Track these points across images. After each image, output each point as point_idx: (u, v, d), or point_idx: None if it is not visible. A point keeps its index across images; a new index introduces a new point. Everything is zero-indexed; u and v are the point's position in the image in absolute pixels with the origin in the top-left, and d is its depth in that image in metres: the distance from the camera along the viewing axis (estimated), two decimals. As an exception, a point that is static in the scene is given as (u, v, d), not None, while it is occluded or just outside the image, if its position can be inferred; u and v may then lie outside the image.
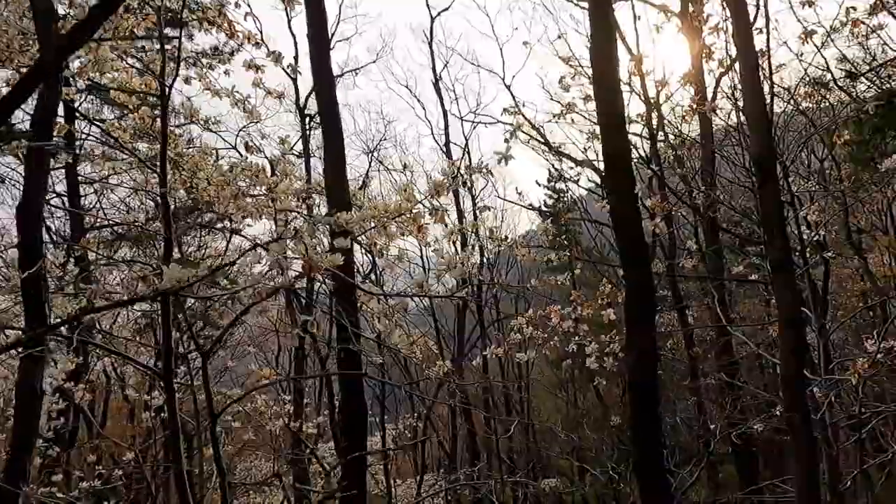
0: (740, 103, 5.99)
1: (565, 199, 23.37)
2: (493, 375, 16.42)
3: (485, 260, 16.54)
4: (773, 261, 4.47)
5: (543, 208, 23.10)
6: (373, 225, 4.58)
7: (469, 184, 4.56)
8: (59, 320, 2.51)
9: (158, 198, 5.19)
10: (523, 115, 8.66)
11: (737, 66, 6.26)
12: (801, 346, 4.43)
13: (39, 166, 2.56)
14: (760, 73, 4.64)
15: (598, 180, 15.40)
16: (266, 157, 4.62)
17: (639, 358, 3.21)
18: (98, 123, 5.22)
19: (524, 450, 17.57)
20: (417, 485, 9.76)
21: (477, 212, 15.92)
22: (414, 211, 4.58)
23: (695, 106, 6.18)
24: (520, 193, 21.96)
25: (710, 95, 8.21)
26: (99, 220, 11.66)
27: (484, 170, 4.60)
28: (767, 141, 4.52)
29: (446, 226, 4.98)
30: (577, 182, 17.28)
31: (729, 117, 7.05)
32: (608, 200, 3.49)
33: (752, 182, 6.43)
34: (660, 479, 3.14)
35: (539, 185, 23.87)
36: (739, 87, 5.75)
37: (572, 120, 6.53)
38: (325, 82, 5.52)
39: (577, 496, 17.25)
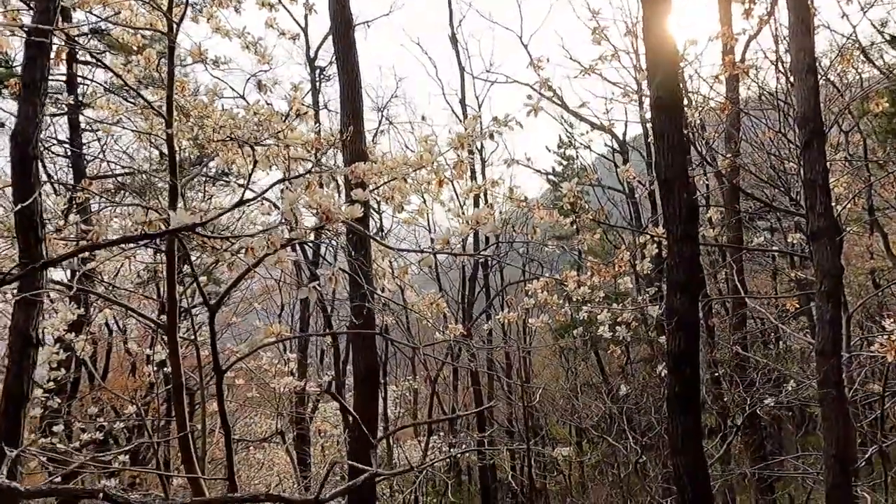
0: (781, 63, 5.66)
1: (574, 166, 23.05)
2: (495, 342, 16.30)
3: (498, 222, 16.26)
4: (814, 227, 4.23)
5: (552, 176, 22.79)
6: (392, 178, 4.34)
7: (493, 137, 4.27)
8: (56, 256, 2.28)
9: (164, 142, 4.93)
10: (538, 75, 8.31)
11: (776, 21, 5.91)
12: (838, 317, 4.22)
13: (34, 86, 2.30)
14: (811, 26, 4.33)
15: (616, 146, 15.05)
16: (270, 104, 4.32)
17: (680, 327, 2.98)
18: (103, 62, 4.91)
19: (522, 416, 17.58)
20: (424, 448, 9.71)
21: (486, 173, 15.54)
22: (436, 164, 4.34)
23: (727, 64, 5.84)
24: (529, 159, 21.61)
25: (738, 59, 7.85)
26: (102, 169, 11.37)
27: (512, 122, 4.34)
28: (814, 98, 4.23)
29: (462, 177, 4.71)
30: (588, 147, 16.88)
31: (764, 78, 6.70)
32: (654, 152, 3.23)
33: (792, 146, 6.13)
34: (698, 458, 2.96)
35: (549, 150, 23.50)
36: (785, 40, 5.41)
37: (601, 75, 6.20)
38: (342, 24, 5.19)
39: (574, 464, 17.31)
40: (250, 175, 2.59)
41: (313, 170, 3.74)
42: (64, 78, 9.58)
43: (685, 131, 7.27)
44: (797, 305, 8.92)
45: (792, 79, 5.48)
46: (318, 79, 13.92)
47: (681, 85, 3.28)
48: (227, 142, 3.47)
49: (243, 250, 3.04)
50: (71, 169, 11.03)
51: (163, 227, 3.36)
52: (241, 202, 2.50)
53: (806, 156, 4.14)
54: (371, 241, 5.23)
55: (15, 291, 2.33)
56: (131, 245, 5.59)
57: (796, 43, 4.25)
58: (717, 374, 7.43)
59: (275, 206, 3.91)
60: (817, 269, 4.22)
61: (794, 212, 6.33)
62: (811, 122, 4.14)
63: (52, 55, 2.84)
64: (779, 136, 7.22)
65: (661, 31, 3.11)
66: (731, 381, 6.59)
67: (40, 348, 2.30)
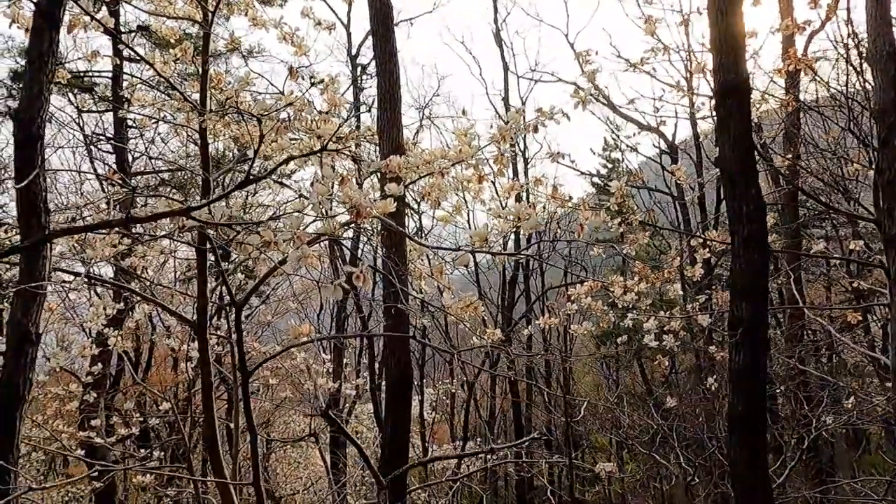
0: (852, 54, 5.23)
1: (620, 169, 22.53)
2: (535, 348, 15.96)
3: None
4: (890, 233, 3.83)
5: (596, 178, 22.34)
6: (429, 173, 4.12)
7: (537, 129, 4.01)
8: (56, 230, 2.13)
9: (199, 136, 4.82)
10: (582, 71, 7.97)
11: (848, 10, 5.47)
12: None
13: (40, 61, 2.15)
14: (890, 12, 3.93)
15: (664, 146, 14.55)
16: (311, 102, 4.15)
17: (745, 339, 2.67)
18: (138, 53, 4.83)
19: (564, 428, 17.15)
20: (460, 452, 9.46)
21: (529, 173, 15.22)
22: (475, 158, 4.11)
23: (791, 56, 5.44)
24: (573, 161, 21.24)
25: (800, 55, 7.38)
26: (145, 165, 11.49)
27: (559, 115, 4.07)
28: (895, 89, 3.84)
29: (503, 173, 4.46)
30: (635, 150, 16.37)
31: (829, 75, 6.25)
32: (718, 142, 2.93)
33: (859, 146, 5.69)
34: (762, 486, 2.64)
35: (594, 153, 23.03)
36: (854, 36, 4.99)
37: (649, 73, 5.87)
38: (381, 8, 4.99)
39: (615, 477, 16.78)
40: (256, 151, 2.39)
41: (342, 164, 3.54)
42: (110, 74, 9.70)
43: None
44: (859, 318, 8.36)
45: (866, 72, 5.06)
46: (359, 76, 13.81)
47: (748, 68, 2.97)
48: (231, 113, 3.30)
49: (266, 245, 2.86)
50: (116, 165, 11.18)
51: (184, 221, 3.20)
52: (247, 181, 2.30)
53: (884, 153, 3.75)
54: (406, 239, 5.02)
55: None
56: (159, 238, 5.49)
57: (874, 29, 3.86)
58: (774, 391, 6.97)
59: (305, 198, 3.72)
60: (893, 280, 3.82)
61: (861, 216, 5.87)
62: (891, 116, 3.75)
63: (65, 27, 2.69)
64: (843, 136, 6.75)
65: (728, 8, 2.81)
66: (794, 398, 6.14)
67: (41, 344, 2.15)
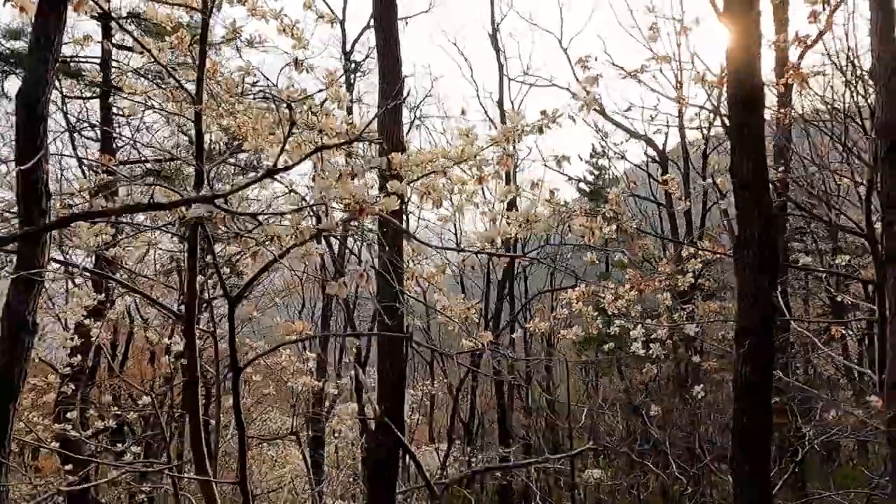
0: (850, 69, 5.27)
1: (607, 176, 22.65)
2: (518, 353, 15.95)
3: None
4: (891, 249, 3.84)
5: (583, 184, 22.41)
6: (431, 171, 4.07)
7: (542, 131, 4.00)
8: (56, 220, 2.05)
9: (192, 127, 4.72)
10: (577, 79, 7.94)
11: (850, 26, 5.51)
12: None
13: (46, 41, 2.07)
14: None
15: (653, 155, 14.65)
16: (305, 91, 4.09)
17: (752, 354, 2.65)
18: (134, 36, 4.72)
19: (542, 427, 17.19)
20: (442, 460, 9.40)
21: (517, 178, 15.24)
22: (477, 158, 4.07)
23: (794, 70, 5.46)
24: (561, 165, 21.20)
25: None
26: (132, 154, 11.29)
27: (561, 118, 4.05)
28: (899, 107, 3.85)
29: (500, 175, 4.42)
30: (623, 157, 16.48)
31: (825, 89, 6.30)
32: (731, 151, 2.91)
33: (854, 161, 5.74)
34: (764, 494, 2.61)
35: (581, 159, 23.08)
36: (849, 51, 5.03)
37: (645, 81, 5.86)
38: (384, 4, 4.90)
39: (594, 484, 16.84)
40: (285, 139, 2.32)
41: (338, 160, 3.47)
42: (98, 60, 9.51)
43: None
44: (842, 331, 8.46)
45: (860, 86, 5.11)
46: (353, 72, 13.70)
47: (762, 75, 2.95)
48: (258, 101, 3.23)
49: (270, 239, 2.79)
50: (101, 153, 10.95)
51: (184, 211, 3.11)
52: (271, 172, 2.23)
53: (886, 168, 3.76)
54: (403, 238, 4.95)
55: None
56: (153, 229, 5.36)
57: (879, 42, 3.88)
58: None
59: (303, 199, 3.65)
60: (892, 296, 3.83)
61: (852, 230, 5.92)
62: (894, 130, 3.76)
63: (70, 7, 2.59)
64: (831, 150, 6.82)
65: (747, 18, 2.79)
66: (789, 411, 6.18)
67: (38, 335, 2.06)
